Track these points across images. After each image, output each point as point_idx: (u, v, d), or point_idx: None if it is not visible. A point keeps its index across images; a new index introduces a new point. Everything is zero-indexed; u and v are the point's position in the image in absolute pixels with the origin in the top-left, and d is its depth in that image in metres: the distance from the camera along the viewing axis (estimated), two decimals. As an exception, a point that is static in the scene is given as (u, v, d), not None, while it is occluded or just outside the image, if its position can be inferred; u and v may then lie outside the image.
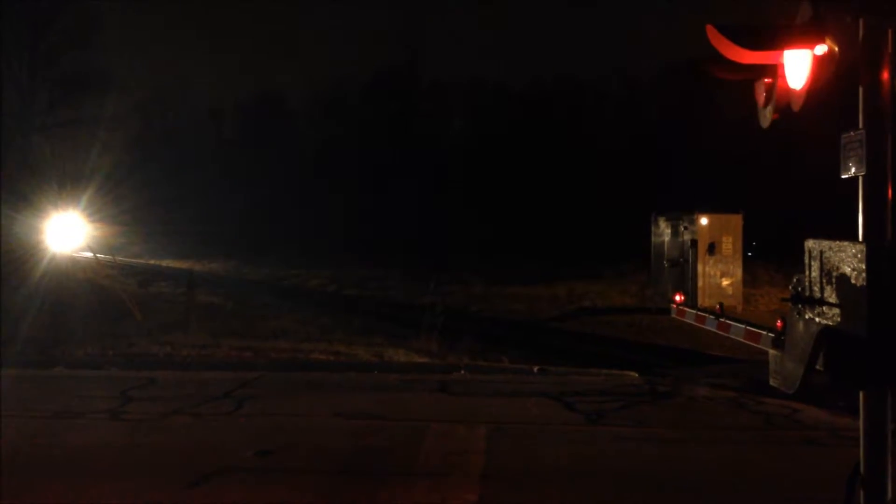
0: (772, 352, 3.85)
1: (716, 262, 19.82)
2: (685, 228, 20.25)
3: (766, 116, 3.89)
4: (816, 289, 3.36)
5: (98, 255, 19.22)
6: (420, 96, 67.00)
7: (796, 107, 3.50)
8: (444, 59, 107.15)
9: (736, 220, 20.26)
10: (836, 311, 3.20)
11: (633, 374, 11.09)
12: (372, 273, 38.75)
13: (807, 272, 3.44)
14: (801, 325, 3.53)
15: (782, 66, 3.61)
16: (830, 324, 3.25)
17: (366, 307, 24.00)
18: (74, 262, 22.01)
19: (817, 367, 3.38)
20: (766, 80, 3.85)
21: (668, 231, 21.06)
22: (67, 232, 18.48)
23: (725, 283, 19.90)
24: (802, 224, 31.94)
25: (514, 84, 63.04)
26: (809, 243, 3.45)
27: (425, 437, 7.39)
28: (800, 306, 3.53)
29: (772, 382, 3.60)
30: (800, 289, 3.54)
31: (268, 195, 65.89)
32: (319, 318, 20.75)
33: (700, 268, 19.58)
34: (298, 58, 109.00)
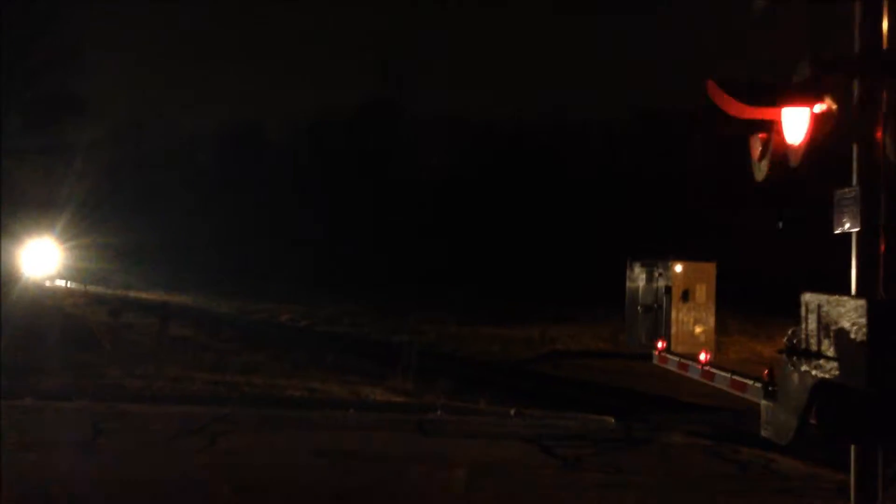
0: (763, 402, 3.88)
1: (689, 310, 20.04)
2: (660, 275, 20.49)
3: (761, 170, 3.98)
4: (813, 342, 3.40)
5: (69, 284, 18.97)
6: (400, 131, 67.36)
7: (794, 161, 3.58)
8: (426, 96, 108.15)
9: (709, 269, 20.55)
10: (834, 364, 3.25)
11: (609, 419, 11.09)
12: (344, 309, 38.58)
13: (803, 325, 3.48)
14: (795, 377, 3.57)
15: (779, 121, 3.70)
16: (827, 377, 3.29)
17: (339, 344, 23.85)
18: (45, 290, 21.70)
19: (811, 420, 3.41)
20: (761, 134, 3.94)
21: (643, 277, 21.29)
22: (39, 258, 18.26)
23: (698, 330, 20.09)
24: (775, 275, 32.33)
25: (493, 122, 63.54)
26: (807, 297, 3.50)
27: (405, 478, 7.32)
28: (794, 358, 3.57)
29: (763, 433, 3.64)
30: (795, 341, 3.58)
31: (239, 226, 65.58)
32: (292, 354, 20.58)
33: (674, 314, 19.78)
34: (280, 89, 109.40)
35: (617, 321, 26.13)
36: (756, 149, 4.02)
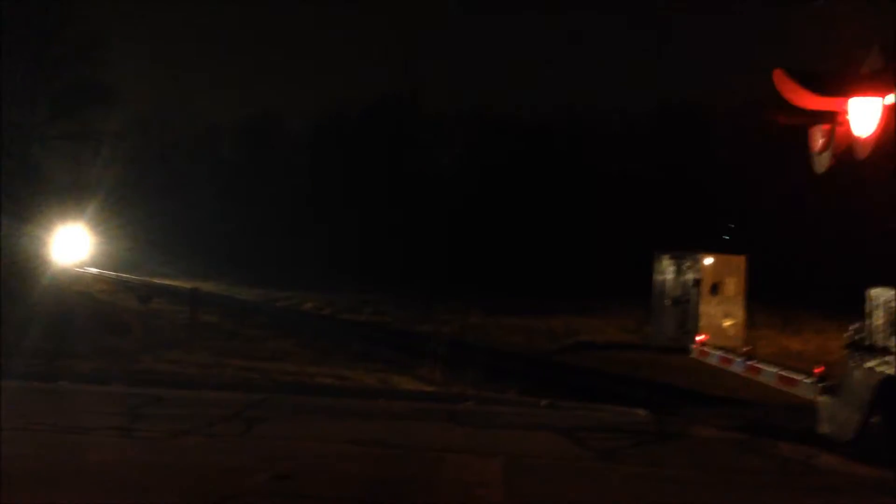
0: (822, 399, 3.82)
1: (718, 303, 19.88)
2: (688, 268, 20.34)
3: (822, 162, 3.91)
4: (880, 338, 3.34)
5: (99, 270, 19.15)
6: (419, 125, 67.28)
7: (862, 154, 3.51)
8: (446, 90, 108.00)
9: (739, 262, 20.36)
10: (904, 360, 3.19)
11: (640, 411, 11.00)
12: (366, 298, 38.69)
13: (868, 320, 3.42)
14: (859, 373, 3.51)
15: (843, 113, 3.63)
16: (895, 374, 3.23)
17: (363, 332, 23.90)
18: (75, 276, 21.90)
19: (875, 417, 3.35)
20: (823, 126, 3.87)
21: (672, 269, 21.14)
22: (69, 245, 18.41)
23: (727, 323, 19.93)
24: (805, 268, 31.95)
25: (514, 116, 63.34)
26: (873, 291, 3.45)
27: (441, 467, 7.31)
28: (858, 354, 3.51)
29: (821, 430, 3.56)
30: (858, 337, 3.52)
31: (262, 215, 65.89)
32: (317, 342, 20.67)
33: (702, 307, 19.63)
34: (300, 83, 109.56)
35: (642, 314, 25.99)
36: (817, 140, 3.95)
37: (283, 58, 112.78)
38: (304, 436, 8.42)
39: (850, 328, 3.46)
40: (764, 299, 27.10)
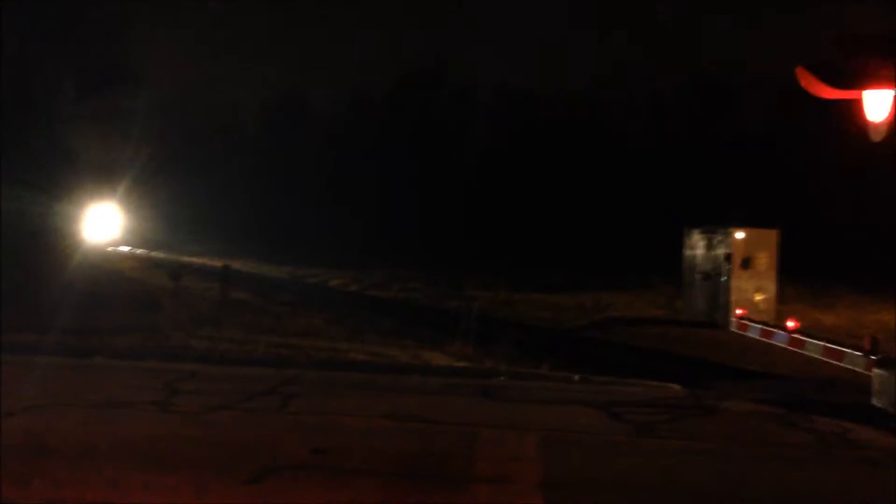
0: (876, 371, 3.73)
1: (749, 277, 19.65)
2: (719, 242, 20.11)
3: (881, 131, 3.79)
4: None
5: (130, 249, 19.32)
6: (445, 100, 66.95)
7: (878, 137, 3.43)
8: (471, 65, 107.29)
9: (771, 236, 20.09)
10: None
11: (675, 386, 10.93)
12: (393, 275, 38.74)
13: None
14: (917, 343, 3.42)
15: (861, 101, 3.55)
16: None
17: (392, 309, 23.96)
18: (107, 255, 22.11)
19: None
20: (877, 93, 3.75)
21: (702, 244, 20.92)
22: (101, 224, 18.56)
23: (758, 297, 19.72)
24: (837, 242, 31.52)
25: (540, 90, 62.89)
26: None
27: (477, 442, 7.30)
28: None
29: (876, 402, 3.48)
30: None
31: (288, 193, 66.09)
32: (347, 319, 20.73)
33: (734, 282, 19.42)
34: (324, 60, 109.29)
35: (671, 289, 25.79)
36: (873, 110, 3.84)
37: (308, 34, 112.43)
38: (339, 411, 8.45)
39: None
40: (795, 273, 26.80)
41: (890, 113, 3.33)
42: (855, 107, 3.96)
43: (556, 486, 6.17)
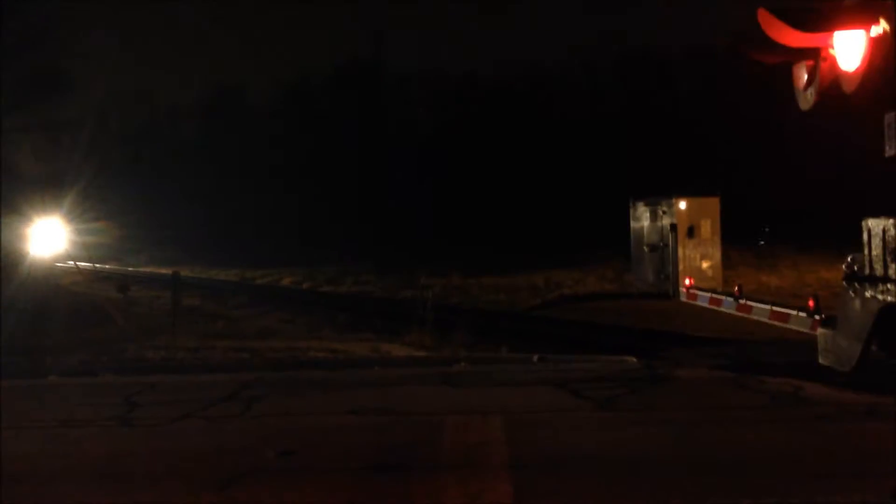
0: (821, 331, 3.90)
1: (695, 246, 20.09)
2: (664, 213, 20.51)
3: (808, 99, 3.94)
4: (879, 267, 3.41)
5: (77, 262, 18.93)
6: (385, 88, 66.72)
7: (849, 89, 3.54)
8: (409, 52, 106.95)
9: (713, 204, 20.57)
10: (904, 287, 3.25)
11: (631, 358, 11.18)
12: (345, 269, 38.64)
13: (866, 251, 3.48)
14: (857, 303, 3.59)
15: (827, 48, 3.65)
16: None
17: (347, 304, 23.91)
18: (51, 269, 21.61)
19: (875, 345, 3.43)
20: (807, 62, 3.90)
21: (647, 216, 21.31)
22: (42, 238, 18.15)
23: (705, 265, 20.18)
24: (772, 204, 32.35)
25: (478, 73, 62.96)
26: (870, 222, 3.50)
27: (443, 430, 7.38)
28: (856, 285, 3.58)
29: (822, 361, 3.65)
30: (856, 267, 3.59)
31: (230, 194, 65.26)
32: (302, 317, 20.66)
33: (680, 251, 19.84)
34: (258, 54, 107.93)
35: (620, 262, 26.25)
36: (801, 78, 3.98)
37: (240, 29, 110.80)
38: (303, 411, 8.45)
39: (848, 259, 3.54)
40: (738, 239, 27.49)
41: (863, 59, 3.36)
42: (793, 73, 4.09)
43: (524, 466, 6.28)
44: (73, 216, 21.19)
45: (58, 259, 19.86)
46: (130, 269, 50.23)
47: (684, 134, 44.50)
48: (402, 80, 66.28)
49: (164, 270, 42.99)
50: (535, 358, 11.19)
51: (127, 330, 15.29)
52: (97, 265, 38.13)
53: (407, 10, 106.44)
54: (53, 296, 19.87)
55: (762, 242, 23.86)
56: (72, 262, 18.12)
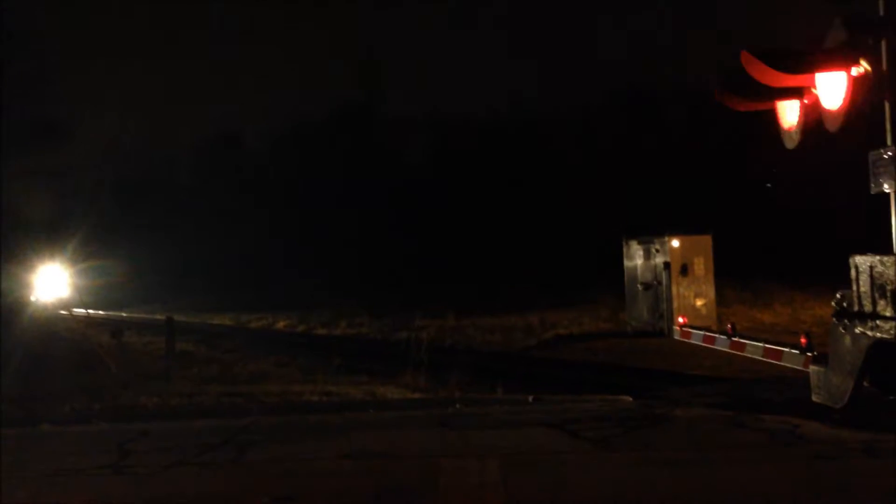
0: (813, 368, 3.91)
1: (689, 284, 20.14)
2: (657, 251, 20.58)
3: (793, 138, 4.00)
4: (867, 303, 3.43)
5: (66, 309, 18.88)
6: (378, 130, 67.26)
7: (833, 127, 3.60)
8: (400, 94, 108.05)
9: (706, 241, 20.66)
10: (893, 324, 3.28)
11: (627, 398, 11.14)
12: (339, 312, 38.47)
13: (854, 287, 3.51)
14: (848, 339, 3.61)
15: (809, 88, 3.72)
16: (886, 337, 3.32)
17: (341, 346, 23.76)
18: (41, 315, 21.53)
19: (866, 381, 3.44)
20: (791, 102, 3.96)
21: (640, 254, 21.38)
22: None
23: (699, 303, 20.21)
24: (768, 244, 32.44)
25: (469, 116, 63.58)
26: (857, 259, 3.54)
27: (439, 473, 7.32)
28: (846, 321, 3.60)
29: (815, 398, 3.65)
30: (845, 304, 3.61)
31: (225, 240, 65.30)
32: (296, 360, 20.53)
33: (674, 289, 19.87)
34: (253, 99, 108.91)
35: (614, 302, 26.22)
36: (786, 118, 4.04)
37: (236, 74, 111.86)
38: (297, 456, 8.38)
39: (837, 295, 3.56)
40: (732, 276, 27.54)
41: (845, 99, 3.43)
42: (775, 114, 4.16)
43: (521, 509, 6.24)
44: (74, 262, 21.21)
45: (55, 305, 19.82)
46: (124, 314, 50.03)
47: (676, 172, 44.85)
48: (395, 121, 66.92)
49: (158, 315, 42.84)
50: (531, 399, 11.14)
51: (120, 376, 15.16)
52: (90, 311, 38.00)
53: (402, 51, 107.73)
54: (44, 342, 19.77)
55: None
56: (68, 309, 18.07)
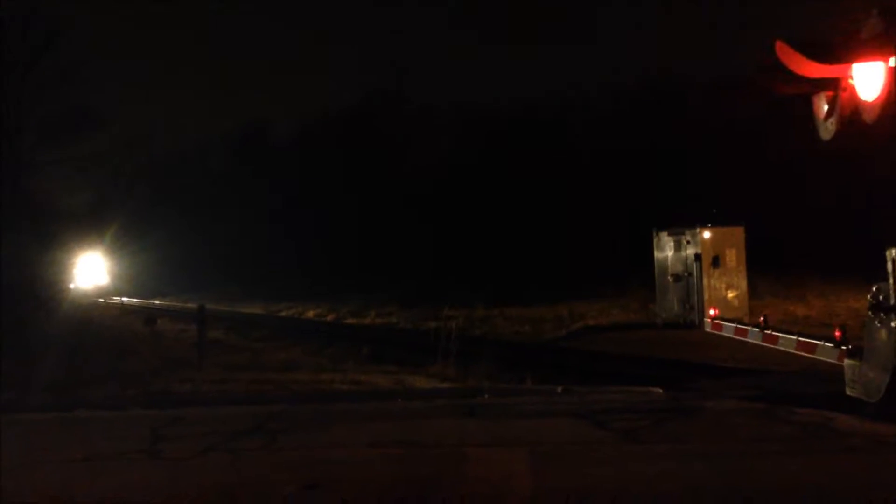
0: (847, 361, 3.86)
1: (720, 276, 19.95)
2: (688, 243, 20.40)
3: (829, 129, 3.94)
4: (903, 296, 3.38)
5: (101, 296, 19.17)
6: (405, 121, 67.22)
7: (869, 118, 3.54)
8: (428, 84, 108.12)
9: (738, 233, 20.44)
10: (929, 317, 3.22)
11: (657, 390, 11.08)
12: (369, 301, 38.68)
13: (891, 280, 3.45)
14: (883, 333, 3.55)
15: (846, 78, 3.66)
16: (922, 330, 3.26)
17: (370, 336, 23.91)
18: (77, 302, 21.89)
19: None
20: (827, 93, 3.90)
21: (671, 245, 21.21)
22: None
23: (731, 295, 20.02)
24: (802, 236, 32.03)
25: (498, 104, 63.27)
26: (894, 252, 3.47)
27: (467, 462, 7.35)
28: (882, 315, 3.55)
29: (850, 392, 3.60)
30: (881, 297, 3.56)
31: (255, 229, 65.74)
32: (326, 349, 20.70)
33: (705, 281, 19.70)
34: (282, 89, 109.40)
35: (644, 293, 26.06)
36: (821, 108, 3.98)
37: (264, 64, 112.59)
38: (326, 443, 8.45)
39: (873, 289, 3.50)
40: (764, 268, 27.22)
41: (883, 89, 3.37)
42: (813, 103, 4.09)
43: (547, 499, 6.23)
44: (112, 250, 21.50)
45: (93, 292, 20.13)
46: (157, 302, 50.69)
47: (708, 163, 44.35)
48: (424, 111, 66.78)
49: (189, 303, 43.33)
50: (560, 389, 11.12)
51: (154, 363, 15.37)
52: (125, 299, 38.57)
53: (430, 41, 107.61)
54: (79, 329, 20.10)
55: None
56: (105, 297, 18.37)
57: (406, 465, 7.38)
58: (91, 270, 18.09)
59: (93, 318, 21.68)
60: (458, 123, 64.69)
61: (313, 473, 7.15)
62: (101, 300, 32.11)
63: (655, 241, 22.09)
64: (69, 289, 18.58)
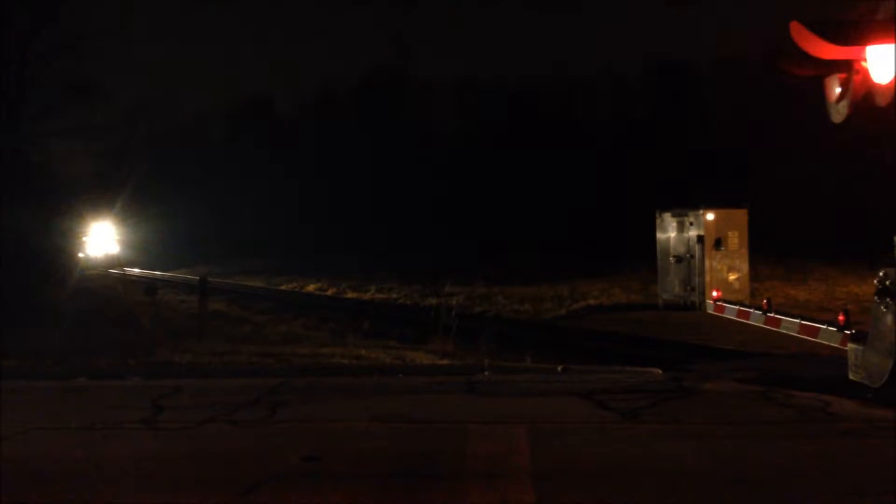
0: (851, 346, 3.84)
1: (722, 258, 19.93)
2: (691, 224, 20.36)
3: (840, 111, 3.90)
4: (911, 282, 3.36)
5: (101, 267, 19.19)
6: (411, 96, 66.93)
7: (883, 101, 3.51)
8: (435, 60, 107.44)
9: (741, 216, 20.38)
10: (937, 303, 3.21)
11: (656, 370, 11.09)
12: (369, 276, 38.73)
13: (897, 265, 3.44)
14: (889, 318, 3.54)
15: (859, 61, 3.62)
16: (928, 316, 3.25)
17: (371, 311, 23.96)
18: (78, 273, 21.91)
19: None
20: (840, 75, 3.87)
21: (674, 226, 21.16)
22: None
23: (732, 277, 20.01)
24: (805, 220, 32.00)
25: (506, 81, 62.95)
26: (901, 236, 3.46)
27: (467, 438, 7.38)
28: (888, 300, 3.53)
29: (852, 377, 3.60)
30: (888, 282, 3.54)
31: (256, 202, 65.68)
32: (326, 323, 20.74)
33: (707, 263, 19.68)
34: (286, 62, 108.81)
35: (646, 274, 26.07)
36: (833, 90, 3.94)
37: (268, 37, 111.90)
38: (326, 417, 8.49)
39: (880, 273, 3.49)
40: (766, 251, 27.20)
41: None
42: (825, 85, 4.06)
43: (546, 477, 6.26)
44: (120, 220, 21.50)
45: (102, 262, 20.15)
46: (158, 272, 50.75)
47: (712, 145, 44.22)
48: (428, 86, 66.46)
49: (191, 275, 43.40)
50: (560, 368, 11.14)
51: (156, 333, 15.40)
52: (125, 269, 38.61)
53: (437, 16, 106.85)
54: (81, 298, 20.14)
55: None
56: (113, 267, 18.40)
57: (407, 440, 7.42)
58: (102, 240, 18.13)
59: (95, 287, 21.71)
60: (461, 99, 64.41)
61: (313, 446, 7.19)
62: (114, 271, 32.16)
63: (658, 221, 22.04)
64: (77, 258, 18.58)
